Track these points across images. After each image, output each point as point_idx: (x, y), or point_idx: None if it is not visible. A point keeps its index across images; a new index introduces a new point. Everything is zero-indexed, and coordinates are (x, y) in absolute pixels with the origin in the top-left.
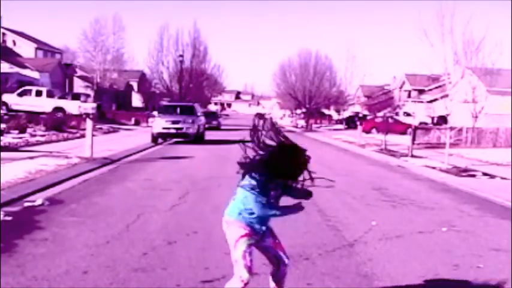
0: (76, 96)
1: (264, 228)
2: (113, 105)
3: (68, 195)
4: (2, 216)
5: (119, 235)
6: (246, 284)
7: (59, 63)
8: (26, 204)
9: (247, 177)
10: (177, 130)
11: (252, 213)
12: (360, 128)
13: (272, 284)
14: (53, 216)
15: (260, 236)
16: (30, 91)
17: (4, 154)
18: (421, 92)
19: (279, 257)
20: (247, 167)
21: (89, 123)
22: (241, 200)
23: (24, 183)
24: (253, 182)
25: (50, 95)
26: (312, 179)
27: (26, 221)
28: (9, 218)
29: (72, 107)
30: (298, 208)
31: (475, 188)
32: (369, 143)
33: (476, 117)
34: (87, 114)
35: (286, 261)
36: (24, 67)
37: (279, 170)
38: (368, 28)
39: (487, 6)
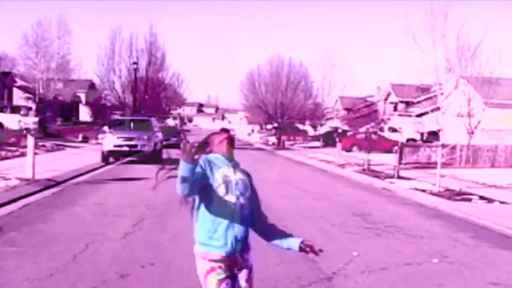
0: (15, 109)
1: (237, 249)
2: (58, 120)
3: (6, 222)
4: None
5: (65, 267)
6: None
7: None
8: None
9: None
10: (130, 148)
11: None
12: (339, 145)
13: None
14: None
15: (233, 265)
16: None
17: None
18: (409, 104)
19: None
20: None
21: (30, 140)
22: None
23: None
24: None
25: None
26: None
27: None
28: None
29: (11, 121)
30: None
31: (470, 213)
32: (349, 162)
33: (472, 133)
34: (28, 130)
35: None
36: None
37: None
38: (348, 32)
39: (484, 6)
